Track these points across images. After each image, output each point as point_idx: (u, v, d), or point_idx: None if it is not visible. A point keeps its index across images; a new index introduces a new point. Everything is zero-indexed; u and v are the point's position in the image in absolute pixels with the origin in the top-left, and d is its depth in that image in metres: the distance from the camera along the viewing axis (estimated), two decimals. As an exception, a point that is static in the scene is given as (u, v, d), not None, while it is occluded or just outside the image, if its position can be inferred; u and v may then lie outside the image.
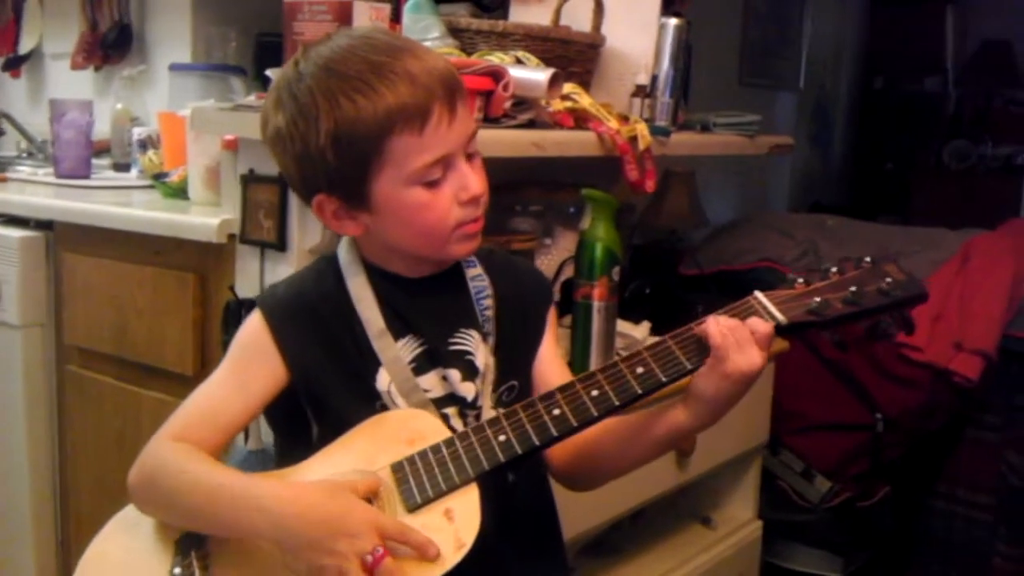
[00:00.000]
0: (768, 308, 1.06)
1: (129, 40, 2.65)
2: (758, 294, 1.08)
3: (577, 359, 1.74)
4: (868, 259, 1.10)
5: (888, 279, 1.07)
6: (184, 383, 1.75)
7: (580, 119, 1.74)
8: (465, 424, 1.12)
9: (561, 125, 1.70)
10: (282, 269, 1.60)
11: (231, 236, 1.65)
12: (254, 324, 1.14)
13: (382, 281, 1.13)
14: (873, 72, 5.17)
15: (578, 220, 1.87)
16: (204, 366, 1.72)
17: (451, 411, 1.12)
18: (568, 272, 1.87)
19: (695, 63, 2.22)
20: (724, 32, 3.69)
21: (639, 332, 1.89)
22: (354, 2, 1.53)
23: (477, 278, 1.17)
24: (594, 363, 1.75)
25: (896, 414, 2.29)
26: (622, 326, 1.86)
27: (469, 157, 1.08)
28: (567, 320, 1.80)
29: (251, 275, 1.64)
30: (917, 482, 2.48)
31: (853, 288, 1.06)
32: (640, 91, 1.93)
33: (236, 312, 1.63)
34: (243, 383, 1.12)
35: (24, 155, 2.80)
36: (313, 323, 1.12)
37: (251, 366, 1.12)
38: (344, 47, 1.05)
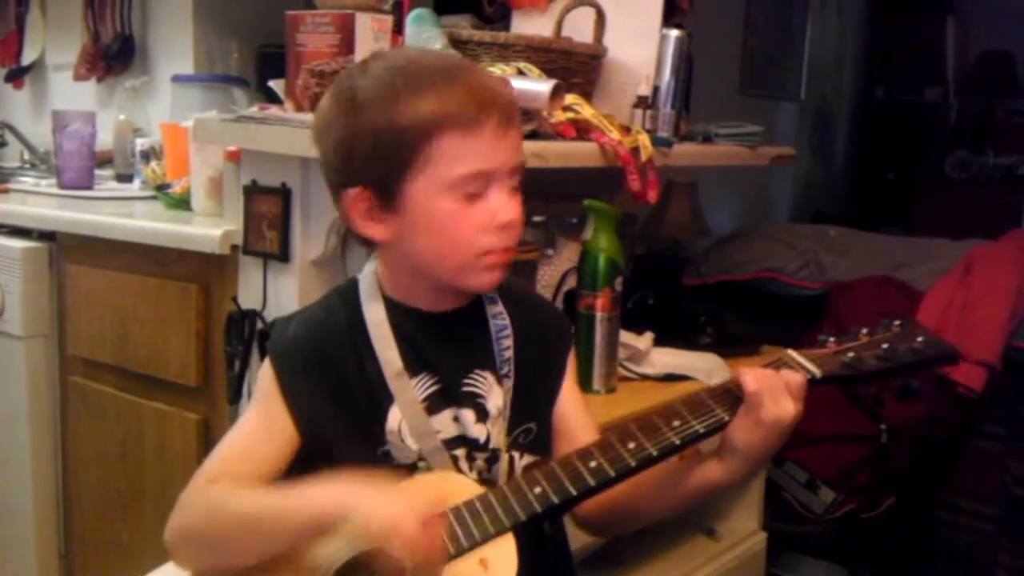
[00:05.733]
0: (802, 363, 1.07)
1: (131, 51, 2.65)
2: (790, 351, 1.09)
3: (580, 370, 1.74)
4: (897, 322, 1.11)
5: (919, 339, 1.09)
6: (187, 394, 1.75)
7: (582, 130, 1.74)
8: (473, 466, 1.10)
9: (563, 136, 1.70)
10: (285, 280, 1.60)
11: (234, 247, 1.66)
12: (267, 375, 1.11)
13: (401, 316, 1.11)
14: (874, 82, 5.18)
15: (580, 231, 1.87)
16: (207, 377, 1.72)
17: (460, 452, 1.10)
18: (571, 283, 1.87)
19: (696, 74, 2.22)
20: (725, 43, 3.70)
21: (642, 343, 1.89)
22: (356, 14, 1.53)
23: (498, 316, 1.15)
24: (597, 374, 1.75)
25: (899, 425, 2.28)
26: (625, 337, 1.85)
27: (513, 191, 1.07)
28: (570, 331, 1.80)
29: (254, 286, 1.64)
30: (921, 493, 2.47)
31: (885, 346, 1.08)
32: (642, 102, 1.93)
33: (239, 323, 1.64)
34: (269, 431, 1.10)
35: (27, 166, 2.80)
36: (321, 369, 1.10)
37: (273, 415, 1.10)
38: (418, 52, 1.10)
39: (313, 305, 1.19)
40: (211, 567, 1.06)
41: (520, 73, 1.71)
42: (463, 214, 1.04)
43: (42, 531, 2.03)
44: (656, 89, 1.98)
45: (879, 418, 2.28)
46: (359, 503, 0.95)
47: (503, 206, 1.05)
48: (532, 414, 1.15)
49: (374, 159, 1.03)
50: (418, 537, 0.93)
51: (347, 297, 1.14)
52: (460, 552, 1.00)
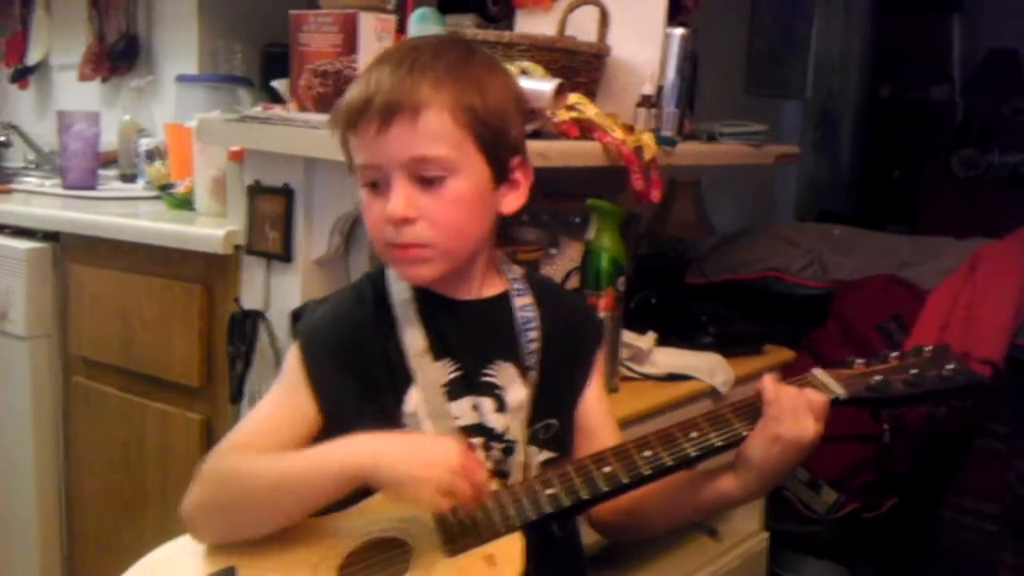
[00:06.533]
0: (827, 383, 1.07)
1: (136, 51, 2.66)
2: (816, 370, 1.09)
3: (583, 370, 1.74)
4: (929, 348, 1.11)
5: (949, 366, 1.08)
6: (190, 394, 1.75)
7: (585, 129, 1.73)
8: (489, 455, 1.11)
9: (566, 135, 1.70)
10: (288, 280, 1.60)
11: (237, 247, 1.66)
12: (293, 356, 1.13)
13: (427, 302, 1.12)
14: (879, 81, 5.17)
15: (583, 230, 1.87)
16: (209, 377, 1.72)
17: (477, 441, 1.11)
18: (574, 282, 1.86)
19: (701, 73, 2.21)
20: (730, 41, 3.69)
21: (645, 342, 1.89)
22: (360, 14, 1.53)
23: (526, 308, 1.15)
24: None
25: (903, 424, 2.28)
26: (628, 336, 1.85)
27: (428, 182, 1.05)
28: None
29: (257, 286, 1.64)
30: (924, 492, 2.46)
31: (914, 371, 1.07)
32: (645, 101, 1.92)
33: (241, 323, 1.64)
34: (291, 411, 1.11)
35: (31, 166, 2.81)
36: (346, 351, 1.11)
37: (297, 396, 1.11)
38: (406, 43, 1.14)
39: (345, 288, 1.21)
40: (230, 538, 1.06)
41: (523, 72, 1.70)
42: (369, 204, 1.08)
43: (45, 532, 2.03)
44: (660, 88, 1.97)
45: (882, 417, 2.28)
46: (389, 453, 0.98)
47: (391, 201, 1.05)
48: (554, 410, 1.15)
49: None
50: (461, 463, 0.97)
51: (376, 281, 1.16)
52: (467, 548, 1.01)
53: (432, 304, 1.12)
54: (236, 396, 1.64)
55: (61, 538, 2.05)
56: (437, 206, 1.05)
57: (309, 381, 1.10)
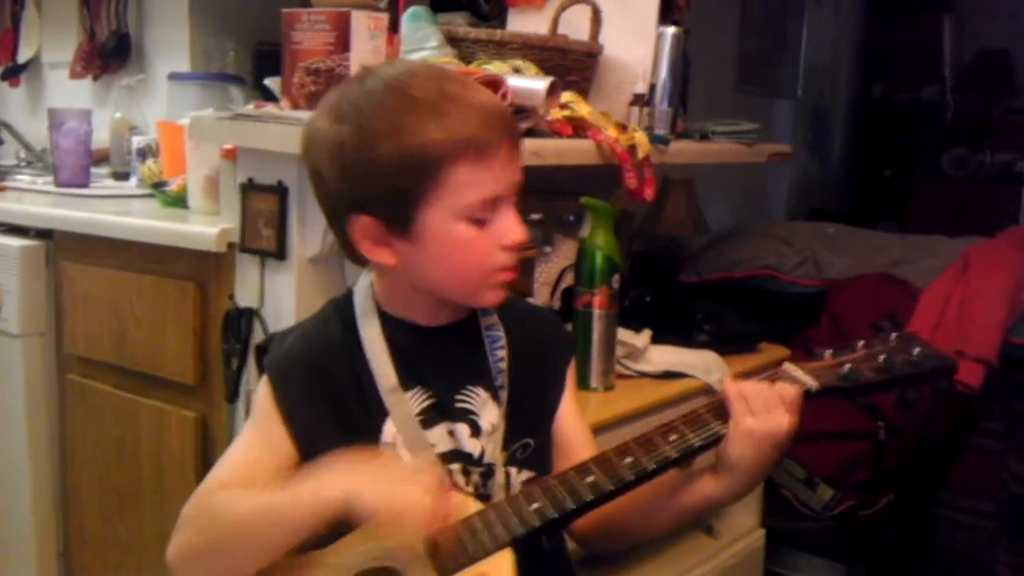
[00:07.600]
0: (798, 376, 1.08)
1: (128, 49, 2.65)
2: (787, 364, 1.10)
3: (578, 368, 1.74)
4: (895, 334, 1.12)
5: (916, 350, 1.09)
6: (184, 392, 1.75)
7: (579, 128, 1.74)
8: (468, 480, 1.10)
9: (560, 134, 1.70)
10: (282, 278, 1.60)
11: (231, 245, 1.65)
12: (264, 391, 1.12)
13: (396, 330, 1.11)
14: (871, 80, 5.18)
15: (578, 228, 1.87)
16: (204, 375, 1.72)
17: (455, 467, 1.10)
18: (568, 280, 1.87)
19: (693, 71, 2.22)
20: (722, 40, 3.70)
21: (640, 340, 1.89)
22: (352, 12, 1.52)
23: (492, 327, 1.15)
24: (594, 371, 1.75)
25: (898, 422, 2.29)
26: (622, 334, 1.85)
27: (515, 206, 1.07)
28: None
29: (251, 284, 1.63)
30: (920, 490, 2.47)
31: (882, 358, 1.08)
32: (638, 100, 1.93)
33: (236, 321, 1.63)
34: (269, 445, 1.09)
35: (23, 164, 2.79)
36: (317, 383, 1.10)
37: (271, 431, 1.10)
38: (413, 71, 1.05)
39: (310, 319, 1.19)
40: (220, 572, 1.05)
41: (516, 71, 1.71)
42: (476, 238, 1.04)
43: (41, 529, 2.02)
44: (652, 87, 1.97)
45: (878, 415, 2.29)
46: (365, 487, 0.95)
47: (513, 227, 1.05)
48: (529, 429, 1.15)
49: (389, 189, 1.02)
50: (433, 512, 0.94)
51: (343, 311, 1.14)
52: (460, 567, 1.00)
53: (403, 333, 1.11)
54: (231, 394, 1.63)
55: (57, 535, 2.04)
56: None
57: (281, 415, 1.09)
